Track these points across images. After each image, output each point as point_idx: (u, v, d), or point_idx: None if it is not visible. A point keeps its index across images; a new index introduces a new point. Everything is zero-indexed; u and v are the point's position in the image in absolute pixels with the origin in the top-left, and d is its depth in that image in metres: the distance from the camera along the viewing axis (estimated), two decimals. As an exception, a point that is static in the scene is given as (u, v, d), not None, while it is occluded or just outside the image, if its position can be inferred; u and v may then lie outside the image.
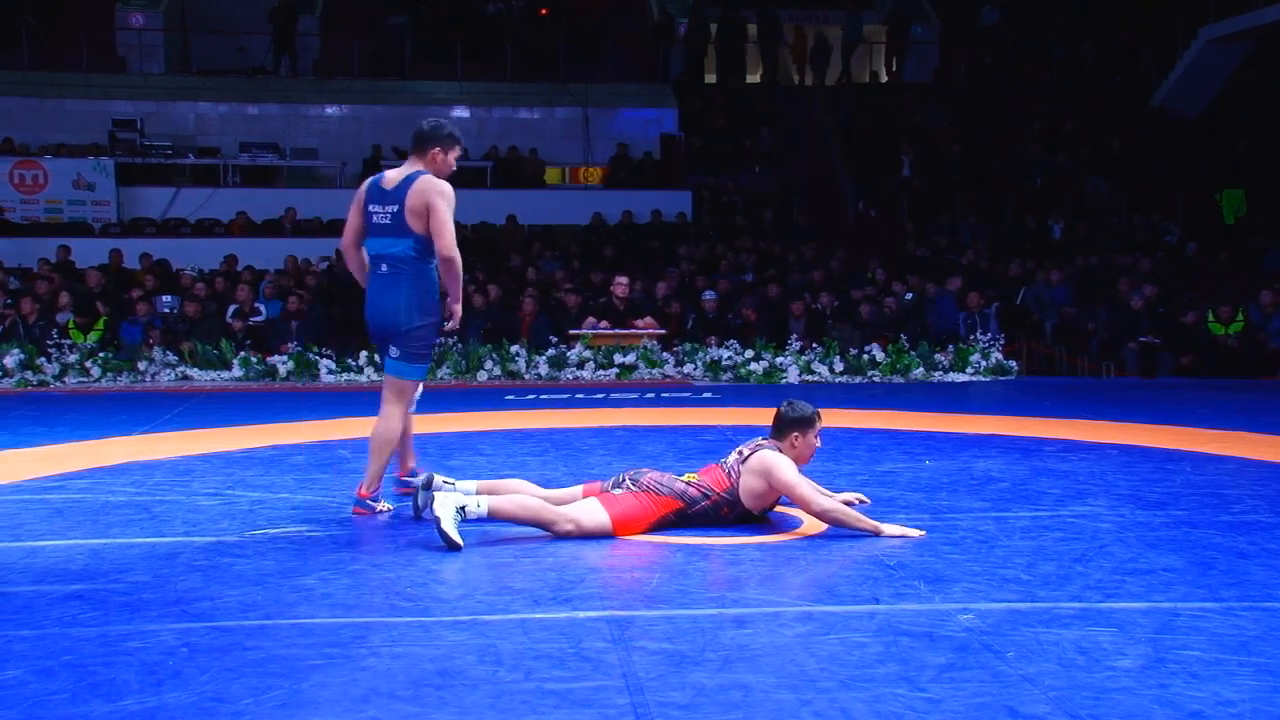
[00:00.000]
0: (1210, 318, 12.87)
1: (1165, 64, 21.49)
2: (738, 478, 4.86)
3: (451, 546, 4.41)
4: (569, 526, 4.62)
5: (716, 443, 7.24)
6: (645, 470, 4.93)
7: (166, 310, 13.42)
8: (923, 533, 4.68)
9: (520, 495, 4.81)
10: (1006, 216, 18.26)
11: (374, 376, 11.51)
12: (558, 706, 2.84)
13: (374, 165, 18.99)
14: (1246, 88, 20.61)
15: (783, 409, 4.98)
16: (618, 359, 11.80)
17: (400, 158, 18.95)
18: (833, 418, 8.31)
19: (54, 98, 19.27)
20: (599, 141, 20.19)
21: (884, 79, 23.08)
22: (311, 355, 11.81)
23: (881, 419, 8.52)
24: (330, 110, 20.21)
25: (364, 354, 11.69)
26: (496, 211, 17.81)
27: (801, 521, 4.97)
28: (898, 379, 11.82)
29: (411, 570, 4.16)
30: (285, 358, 11.79)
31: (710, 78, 22.37)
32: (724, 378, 11.73)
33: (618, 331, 12.20)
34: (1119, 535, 4.68)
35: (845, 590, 3.91)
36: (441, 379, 11.58)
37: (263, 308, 13.43)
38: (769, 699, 2.88)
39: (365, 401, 9.85)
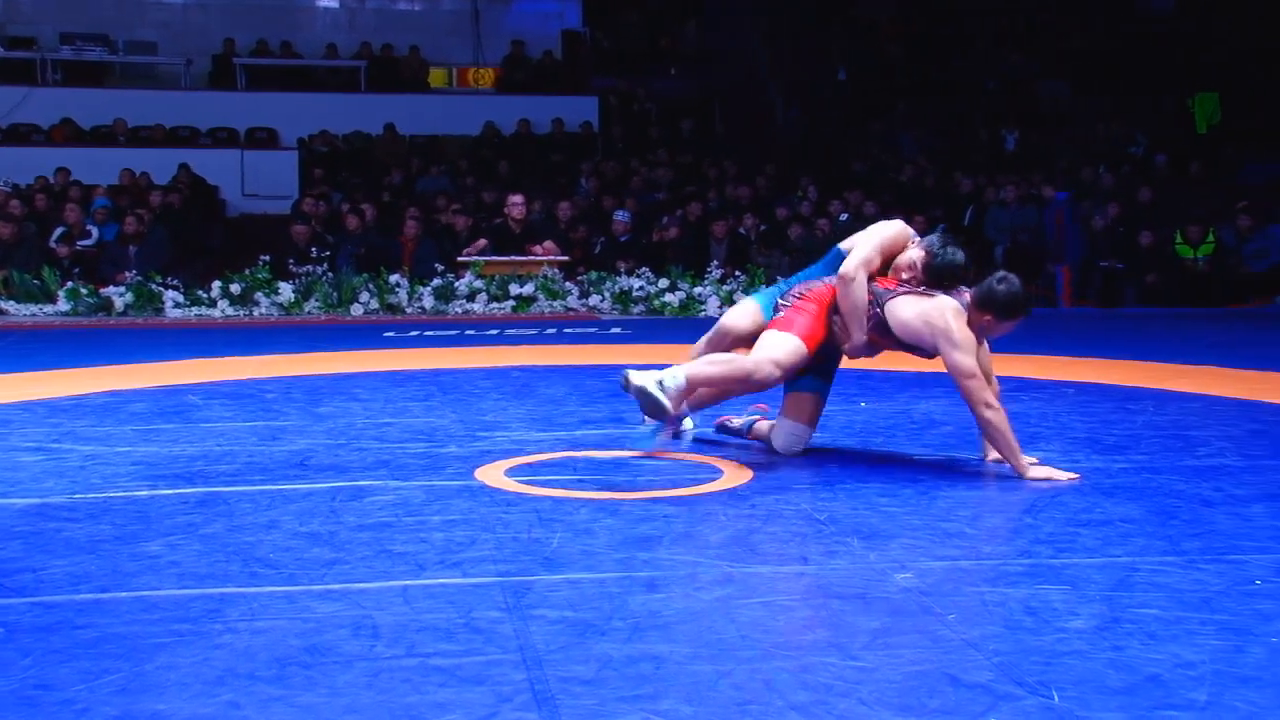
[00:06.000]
0: (1178, 239, 13.17)
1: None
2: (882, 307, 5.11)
3: (661, 414, 4.82)
4: (770, 370, 4.94)
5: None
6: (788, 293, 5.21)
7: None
8: (1076, 476, 4.80)
9: (712, 354, 5.19)
10: (954, 126, 18.43)
11: (228, 310, 11.31)
12: (444, 684, 2.85)
13: (225, 63, 18.57)
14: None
15: (997, 284, 4.85)
16: (513, 290, 11.75)
17: (259, 53, 18.61)
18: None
19: None
20: (491, 39, 19.92)
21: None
22: (154, 286, 11.55)
23: (813, 356, 8.58)
24: (172, -4, 19.62)
25: (217, 284, 11.47)
26: (372, 120, 17.57)
27: (722, 471, 5.02)
28: (832, 311, 11.93)
29: (275, 534, 4.12)
30: (122, 289, 11.53)
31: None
32: (635, 310, 11.76)
33: (513, 259, 12.13)
34: (1073, 483, 4.80)
35: (769, 548, 3.96)
36: (309, 314, 11.42)
37: (94, 230, 13.10)
38: (684, 671, 2.92)
39: (218, 339, 9.68)
